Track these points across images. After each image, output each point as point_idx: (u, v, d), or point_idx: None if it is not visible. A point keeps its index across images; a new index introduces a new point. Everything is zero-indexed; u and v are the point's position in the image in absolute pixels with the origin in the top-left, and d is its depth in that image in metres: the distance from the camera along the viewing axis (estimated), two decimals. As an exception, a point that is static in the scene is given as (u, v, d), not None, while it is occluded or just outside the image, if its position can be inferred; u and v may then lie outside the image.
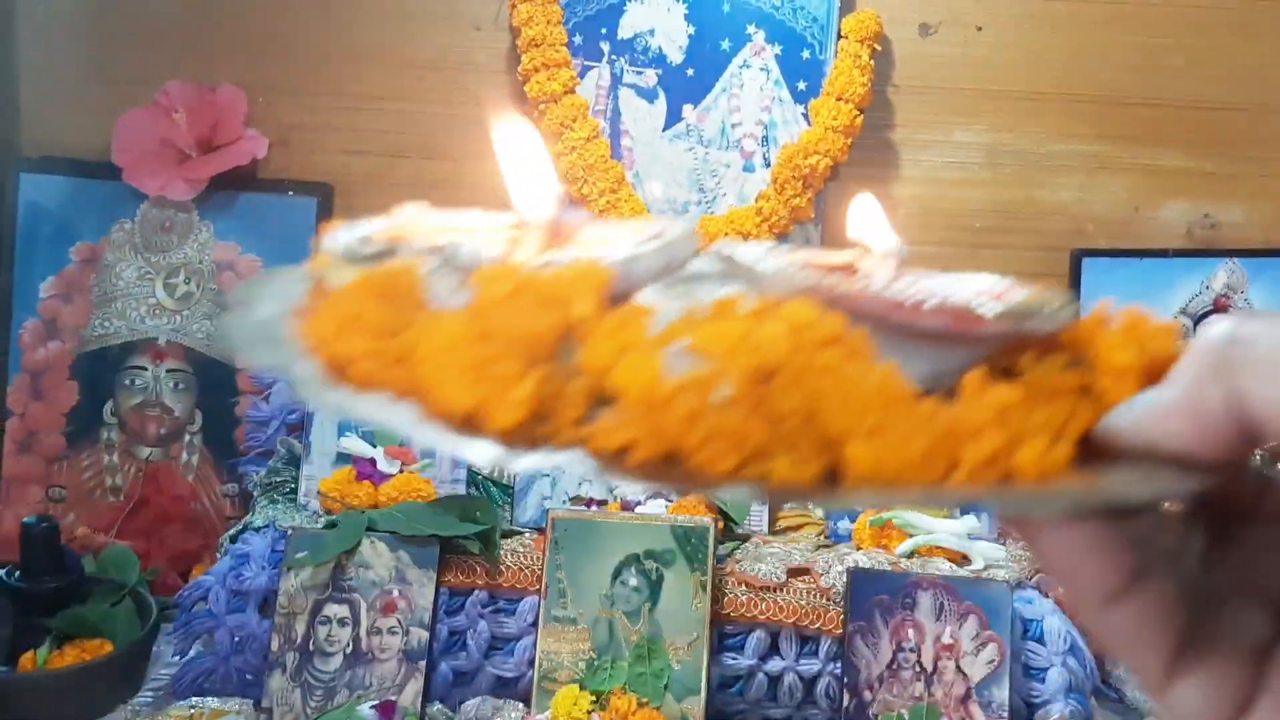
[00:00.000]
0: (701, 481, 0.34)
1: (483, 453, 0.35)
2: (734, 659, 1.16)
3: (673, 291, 0.41)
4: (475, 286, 0.38)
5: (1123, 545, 0.35)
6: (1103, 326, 0.38)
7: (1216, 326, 0.33)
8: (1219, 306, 1.49)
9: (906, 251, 0.45)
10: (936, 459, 0.34)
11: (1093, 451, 0.35)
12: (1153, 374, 0.36)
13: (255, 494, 1.32)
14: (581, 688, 1.14)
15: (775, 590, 1.17)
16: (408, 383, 0.37)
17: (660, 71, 1.44)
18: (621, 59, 1.44)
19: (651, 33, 1.43)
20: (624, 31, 1.44)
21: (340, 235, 0.44)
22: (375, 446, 1.30)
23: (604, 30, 1.44)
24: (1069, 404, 0.36)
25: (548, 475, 1.31)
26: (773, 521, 1.32)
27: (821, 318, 0.36)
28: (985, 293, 0.40)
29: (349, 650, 1.16)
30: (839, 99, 1.40)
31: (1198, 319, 1.50)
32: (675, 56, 1.44)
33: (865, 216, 0.48)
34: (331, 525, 1.21)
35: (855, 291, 0.39)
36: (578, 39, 1.43)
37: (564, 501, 1.29)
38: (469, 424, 0.35)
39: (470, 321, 0.36)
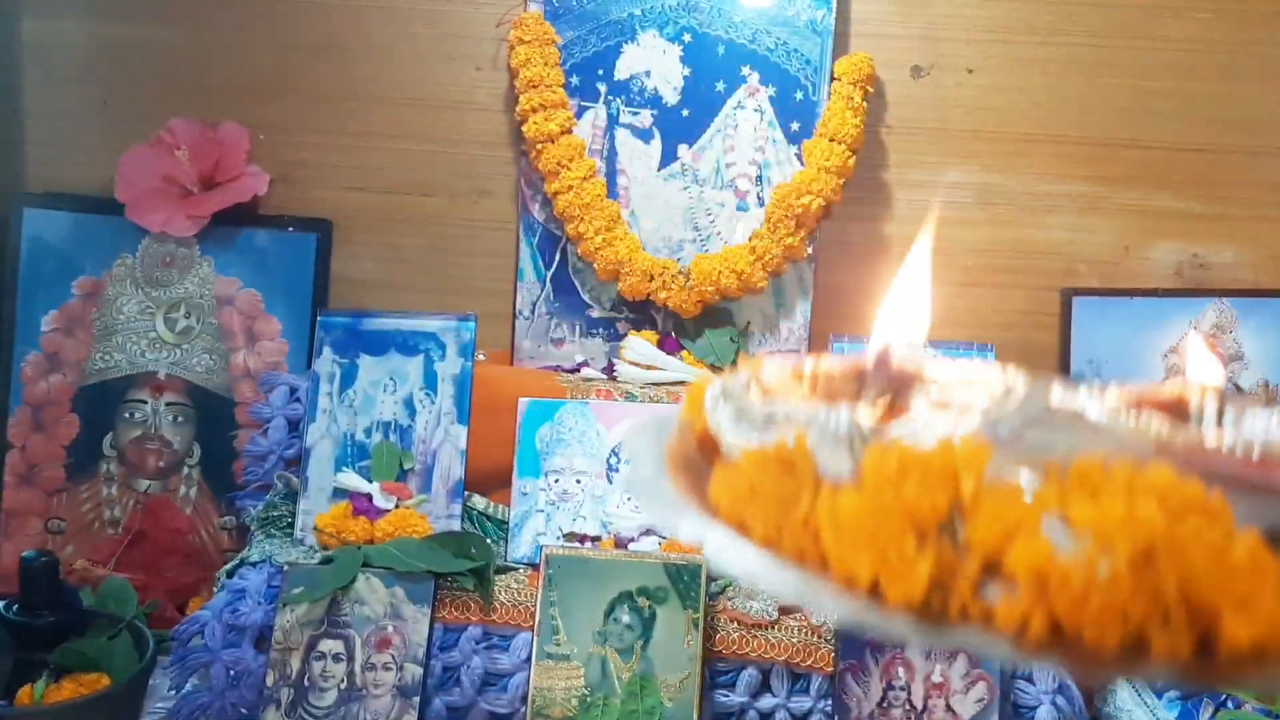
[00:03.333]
0: (1089, 658, 0.35)
1: (889, 624, 0.37)
2: (726, 696, 1.17)
3: (1027, 445, 0.43)
4: (865, 462, 0.40)
5: None
6: None
7: None
8: (1208, 346, 1.50)
9: (1227, 384, 0.47)
10: None
11: None
12: None
13: (252, 528, 1.33)
14: (574, 724, 1.15)
15: (767, 628, 1.18)
16: (809, 551, 0.39)
17: (656, 112, 1.46)
18: (618, 100, 1.46)
19: (647, 74, 1.45)
20: (620, 73, 1.46)
21: (718, 397, 0.48)
22: (372, 481, 1.31)
23: (600, 71, 1.46)
24: None
25: (541, 511, 1.32)
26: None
27: (1182, 484, 0.37)
28: None
29: (344, 686, 1.17)
30: (832, 140, 1.42)
31: (1187, 358, 1.51)
32: (671, 97, 1.46)
33: (1189, 349, 0.50)
34: (327, 560, 1.23)
35: (1206, 450, 0.41)
36: (575, 80, 1.45)
37: (558, 538, 1.30)
38: (871, 593, 0.38)
39: (865, 498, 0.39)
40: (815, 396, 0.47)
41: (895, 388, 0.47)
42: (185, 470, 1.51)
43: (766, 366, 0.50)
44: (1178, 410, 0.46)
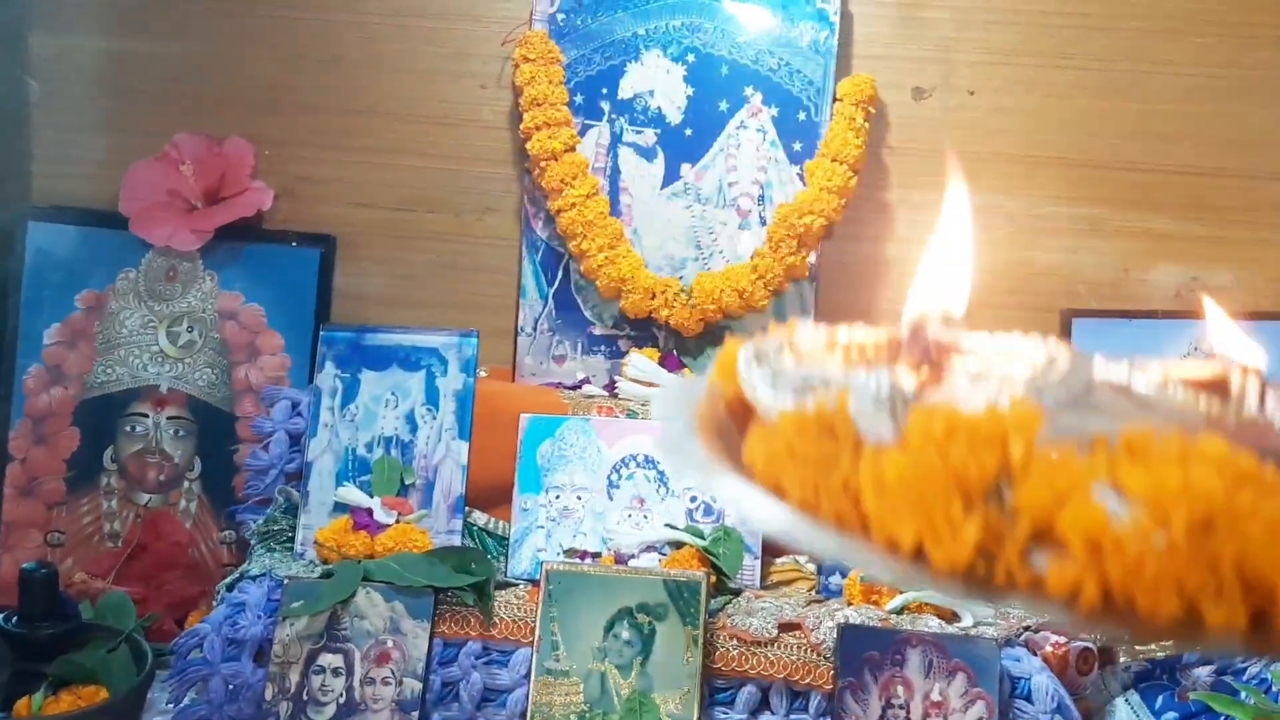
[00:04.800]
0: (1141, 627, 0.35)
1: (933, 586, 0.37)
2: (725, 713, 1.17)
3: (1072, 418, 0.42)
4: (910, 425, 0.39)
5: None
6: None
7: None
8: (1207, 368, 1.51)
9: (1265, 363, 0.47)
10: None
11: None
12: None
13: (252, 542, 1.33)
14: (572, 740, 1.14)
15: (766, 645, 1.18)
16: (849, 514, 0.39)
17: (659, 131, 1.47)
18: (621, 118, 1.47)
19: (651, 93, 1.46)
20: (624, 92, 1.47)
21: (751, 360, 0.47)
22: (372, 496, 1.31)
23: (604, 90, 1.47)
24: None
25: (542, 527, 1.32)
26: (764, 576, 1.33)
27: (1236, 456, 0.37)
28: None
29: (342, 700, 1.17)
30: (834, 160, 1.43)
31: (1187, 380, 1.51)
32: (674, 116, 1.47)
33: (1223, 328, 0.49)
34: (327, 575, 1.23)
35: (1257, 425, 0.41)
36: (579, 98, 1.46)
37: (558, 554, 1.30)
38: (915, 557, 0.37)
39: (910, 460, 0.38)
40: (851, 363, 0.46)
41: (931, 358, 0.46)
42: (186, 484, 1.51)
43: (799, 332, 0.50)
44: (1219, 389, 0.45)
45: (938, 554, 0.37)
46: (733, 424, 0.47)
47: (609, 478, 1.34)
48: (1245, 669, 1.33)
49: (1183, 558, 0.35)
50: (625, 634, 1.17)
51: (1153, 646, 1.35)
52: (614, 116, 1.47)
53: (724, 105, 1.46)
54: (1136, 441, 0.38)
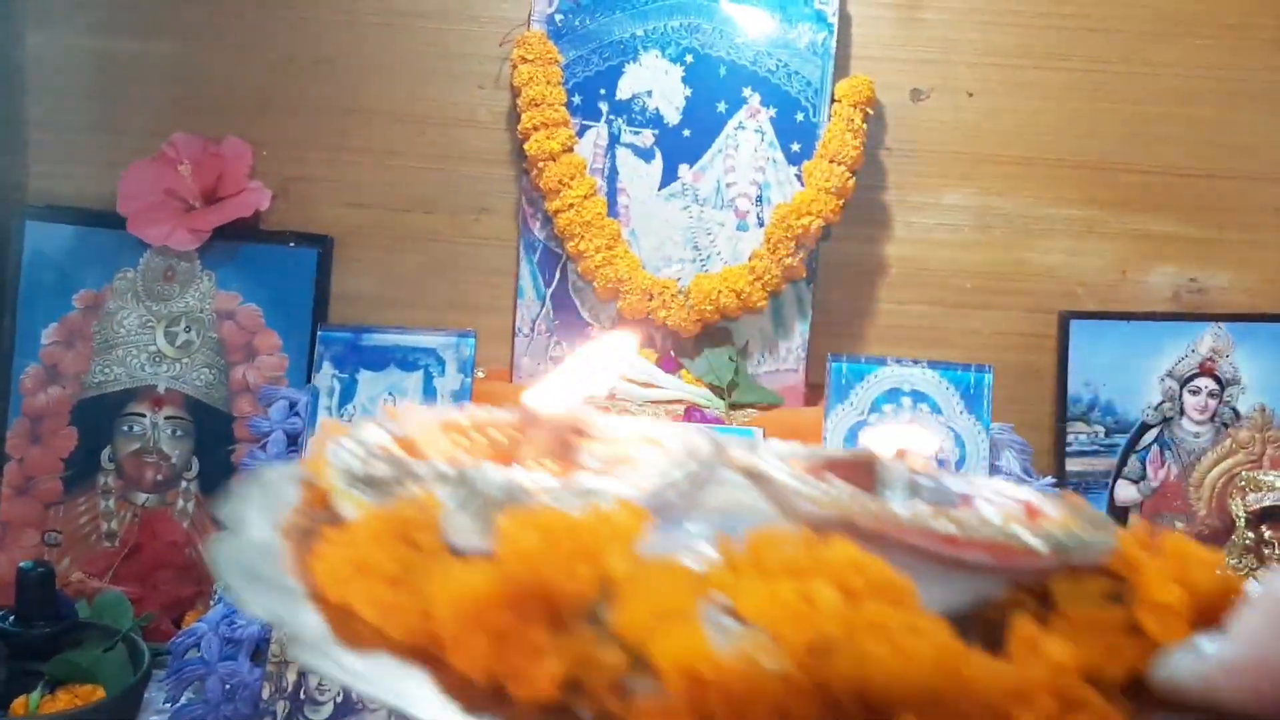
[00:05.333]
0: None
1: None
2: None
3: (694, 519, 0.38)
4: (500, 534, 0.34)
5: None
6: (1144, 552, 0.36)
7: (1278, 582, 0.31)
8: (1205, 370, 1.51)
9: (936, 454, 0.44)
10: None
11: (1140, 697, 0.33)
12: (1199, 612, 0.34)
13: (250, 542, 1.32)
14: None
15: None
16: (424, 641, 0.33)
17: (657, 132, 1.47)
18: (619, 119, 1.47)
19: (649, 94, 1.46)
20: (622, 92, 1.47)
21: (342, 449, 0.40)
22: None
23: (602, 91, 1.47)
24: (1115, 642, 0.34)
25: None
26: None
27: (866, 564, 0.34)
28: (1015, 515, 0.38)
29: (339, 699, 1.17)
30: (832, 161, 1.43)
31: (1184, 381, 1.52)
32: (672, 117, 1.47)
33: (891, 435, 0.45)
34: (325, 574, 1.22)
35: (895, 524, 0.37)
36: (577, 99, 1.46)
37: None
38: (493, 693, 0.32)
39: (497, 576, 0.33)
40: (466, 452, 0.40)
41: (560, 445, 0.40)
42: (183, 484, 1.51)
43: (412, 414, 0.43)
44: (865, 476, 0.41)
45: (516, 689, 0.32)
46: (312, 527, 0.40)
47: (606, 478, 1.34)
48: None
49: (795, 686, 0.31)
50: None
51: None
52: (612, 117, 1.47)
53: (722, 106, 1.46)
54: (762, 546, 0.34)
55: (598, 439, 0.41)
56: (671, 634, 0.31)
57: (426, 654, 0.33)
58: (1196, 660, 0.32)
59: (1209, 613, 0.34)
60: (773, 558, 0.34)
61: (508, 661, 0.32)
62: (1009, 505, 0.39)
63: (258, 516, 0.40)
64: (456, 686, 0.32)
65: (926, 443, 0.45)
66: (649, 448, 0.41)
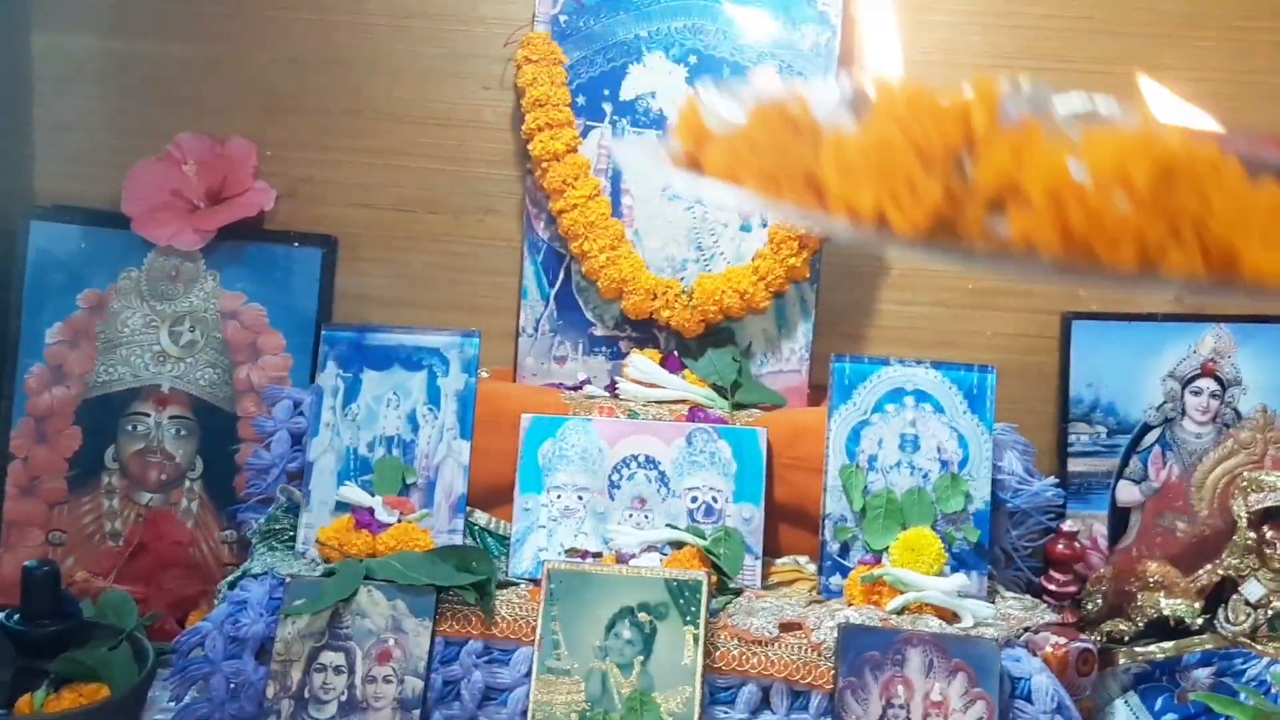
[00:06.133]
0: (1106, 270, 0.36)
1: (894, 247, 0.38)
2: (725, 712, 1.17)
3: (1061, 110, 0.43)
4: (875, 103, 0.40)
5: None
6: None
7: None
8: (1206, 371, 1.52)
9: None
10: None
11: None
12: None
13: (254, 541, 1.33)
14: (573, 739, 1.14)
15: (767, 644, 1.18)
16: (808, 195, 0.39)
17: (660, 132, 1.47)
18: (623, 119, 1.47)
19: (652, 94, 1.47)
20: (626, 93, 1.47)
21: (708, 94, 0.48)
22: (374, 496, 1.31)
23: (606, 91, 1.47)
24: None
25: (543, 527, 1.33)
26: (765, 576, 1.34)
27: (1196, 141, 0.39)
28: None
29: (344, 698, 1.17)
30: (835, 162, 1.43)
31: (1186, 382, 1.52)
32: (675, 118, 1.47)
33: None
34: (329, 573, 1.23)
35: (1220, 131, 0.43)
36: (581, 99, 1.47)
37: (559, 553, 1.30)
38: (877, 224, 0.38)
39: (872, 135, 0.39)
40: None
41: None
42: (187, 483, 1.51)
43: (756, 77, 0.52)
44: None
45: (898, 217, 0.37)
46: (695, 157, 0.48)
47: (610, 478, 1.34)
48: (1245, 670, 1.34)
49: (1144, 207, 0.36)
50: (626, 633, 1.17)
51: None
52: (616, 118, 1.47)
53: (726, 107, 1.46)
54: (1100, 132, 0.39)
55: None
56: (1036, 164, 0.37)
57: (809, 205, 0.40)
58: None
59: None
60: (1126, 131, 0.39)
61: (888, 196, 0.38)
62: None
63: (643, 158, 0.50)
64: (845, 222, 0.39)
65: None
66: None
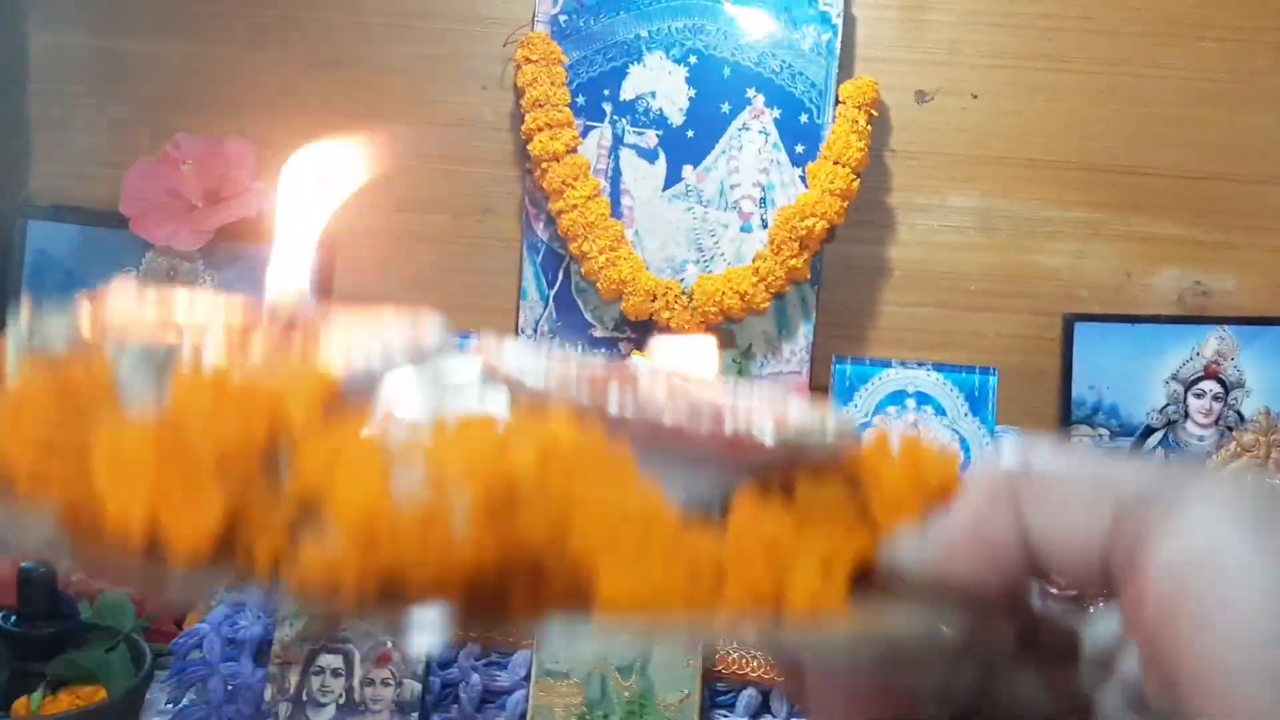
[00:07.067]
0: (402, 610, 0.30)
1: (173, 584, 0.30)
2: (725, 716, 1.16)
3: (417, 401, 0.36)
4: (174, 388, 0.32)
5: (893, 686, 0.34)
6: (882, 452, 0.35)
7: (1003, 455, 0.32)
8: (1209, 373, 1.51)
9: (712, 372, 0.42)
10: (699, 588, 0.31)
11: (868, 587, 0.32)
12: (933, 502, 0.33)
13: (252, 543, 1.32)
14: (572, 743, 1.14)
15: (767, 648, 1.17)
16: (78, 495, 0.31)
17: (661, 133, 1.47)
18: (623, 120, 1.47)
19: (653, 95, 1.46)
20: (626, 93, 1.46)
21: (30, 322, 0.37)
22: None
23: (606, 91, 1.46)
24: (845, 531, 0.33)
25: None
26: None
27: (579, 431, 0.32)
28: (763, 412, 0.36)
29: (342, 701, 1.17)
30: (836, 162, 1.42)
31: (1188, 384, 1.51)
32: (676, 118, 1.46)
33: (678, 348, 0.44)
34: (327, 575, 1.22)
35: (623, 406, 0.34)
36: (580, 99, 1.46)
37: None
38: (149, 546, 0.30)
39: (161, 428, 0.31)
40: (161, 329, 0.37)
41: (285, 332, 0.37)
42: (185, 485, 1.51)
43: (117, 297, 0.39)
44: (626, 382, 0.37)
45: (178, 530, 0.29)
46: None
47: (610, 480, 1.33)
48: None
49: (476, 536, 0.29)
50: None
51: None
52: (616, 118, 1.47)
53: (726, 107, 1.46)
54: (473, 422, 0.32)
55: (331, 333, 0.38)
56: (347, 477, 0.29)
57: (80, 512, 0.31)
58: (920, 542, 0.32)
59: (940, 501, 0.33)
60: (481, 428, 0.31)
61: (166, 505, 0.30)
62: (752, 404, 0.37)
63: None
64: (109, 538, 0.30)
65: (705, 362, 0.43)
66: (371, 330, 0.38)
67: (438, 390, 0.37)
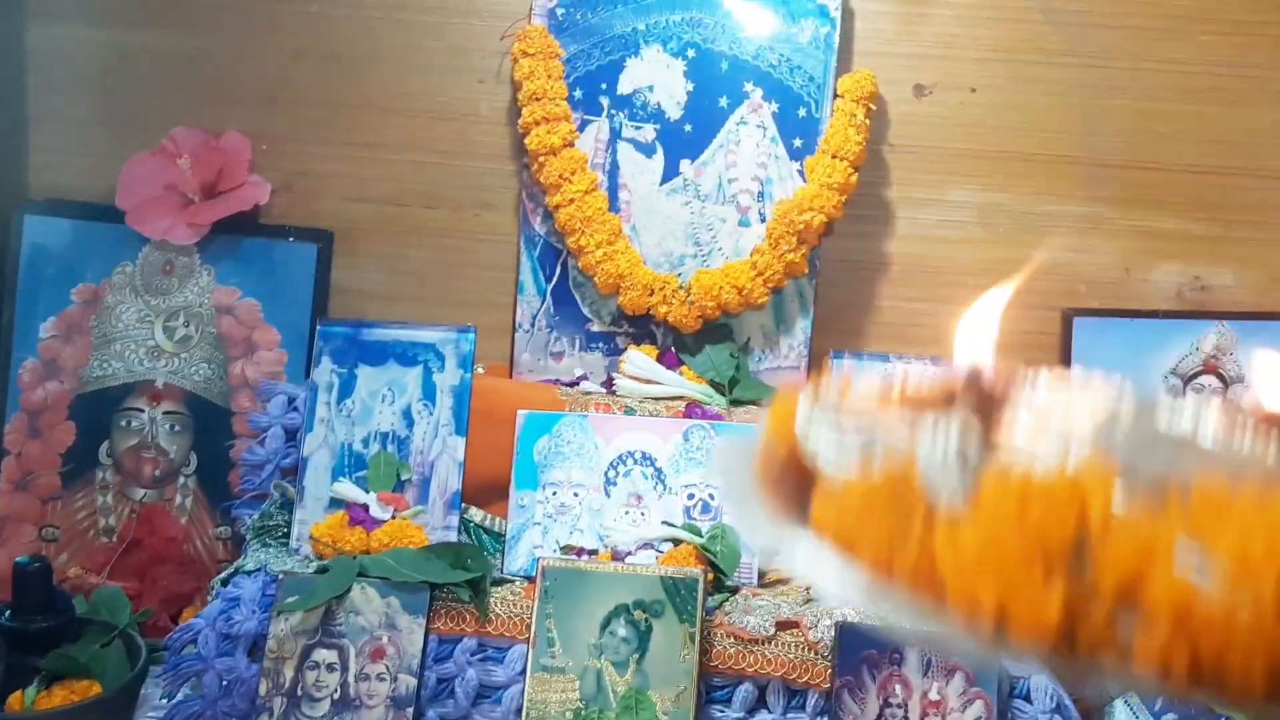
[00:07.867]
0: (1233, 694, 0.33)
1: (1017, 656, 0.35)
2: (721, 711, 1.16)
3: (1141, 470, 0.39)
4: (982, 489, 0.38)
5: None
6: None
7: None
8: (1208, 368, 1.50)
9: None
10: None
11: None
12: None
13: (248, 537, 1.32)
14: (568, 738, 1.13)
15: (763, 643, 1.17)
16: (925, 580, 0.37)
17: (659, 126, 1.46)
18: (621, 114, 1.46)
19: (651, 89, 1.46)
20: (624, 87, 1.46)
21: (809, 418, 0.46)
22: (369, 492, 1.30)
23: (604, 85, 1.46)
24: None
25: (539, 524, 1.32)
26: (762, 574, 1.33)
27: None
28: None
29: (337, 696, 1.16)
30: (834, 156, 1.42)
31: (1187, 379, 1.51)
32: (674, 112, 1.46)
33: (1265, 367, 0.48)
34: (323, 570, 1.22)
35: None
36: (578, 93, 1.46)
37: (555, 550, 1.29)
38: (996, 627, 0.36)
39: (987, 527, 0.37)
40: (907, 417, 0.45)
41: (986, 408, 0.44)
42: (181, 479, 1.51)
43: (853, 384, 0.49)
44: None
45: (1022, 622, 0.35)
46: (794, 481, 0.46)
47: (606, 474, 1.33)
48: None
49: (1272, 624, 0.33)
50: (622, 631, 1.17)
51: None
52: (613, 112, 1.46)
53: (724, 101, 1.46)
54: (1210, 494, 0.36)
55: (1020, 403, 0.45)
56: (1158, 576, 0.34)
57: (924, 591, 0.38)
58: None
59: None
60: (1222, 504, 0.35)
61: (1012, 599, 0.35)
62: None
63: (735, 467, 0.48)
64: (964, 619, 0.37)
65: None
66: (1073, 412, 0.43)
67: (1164, 460, 0.40)
